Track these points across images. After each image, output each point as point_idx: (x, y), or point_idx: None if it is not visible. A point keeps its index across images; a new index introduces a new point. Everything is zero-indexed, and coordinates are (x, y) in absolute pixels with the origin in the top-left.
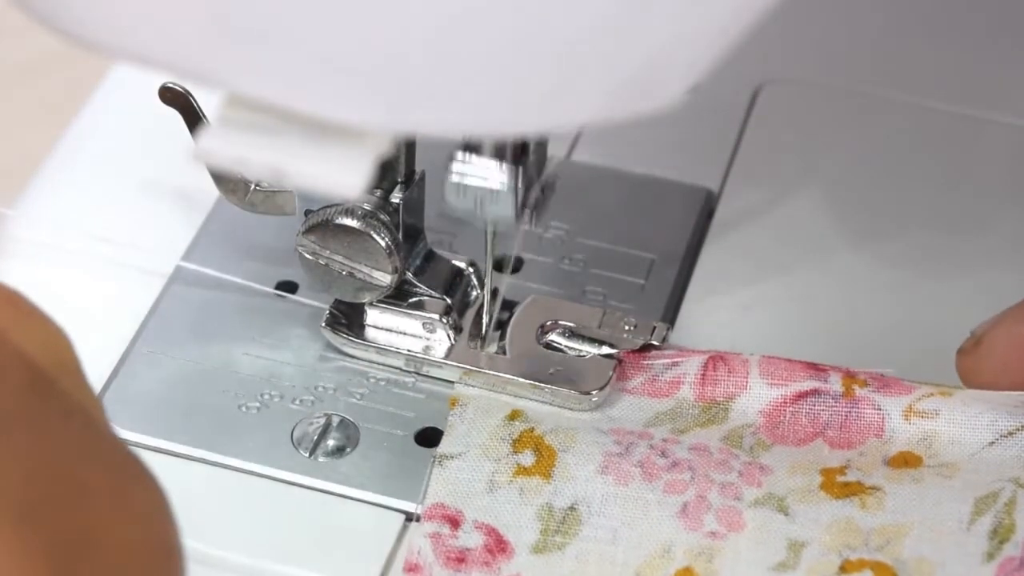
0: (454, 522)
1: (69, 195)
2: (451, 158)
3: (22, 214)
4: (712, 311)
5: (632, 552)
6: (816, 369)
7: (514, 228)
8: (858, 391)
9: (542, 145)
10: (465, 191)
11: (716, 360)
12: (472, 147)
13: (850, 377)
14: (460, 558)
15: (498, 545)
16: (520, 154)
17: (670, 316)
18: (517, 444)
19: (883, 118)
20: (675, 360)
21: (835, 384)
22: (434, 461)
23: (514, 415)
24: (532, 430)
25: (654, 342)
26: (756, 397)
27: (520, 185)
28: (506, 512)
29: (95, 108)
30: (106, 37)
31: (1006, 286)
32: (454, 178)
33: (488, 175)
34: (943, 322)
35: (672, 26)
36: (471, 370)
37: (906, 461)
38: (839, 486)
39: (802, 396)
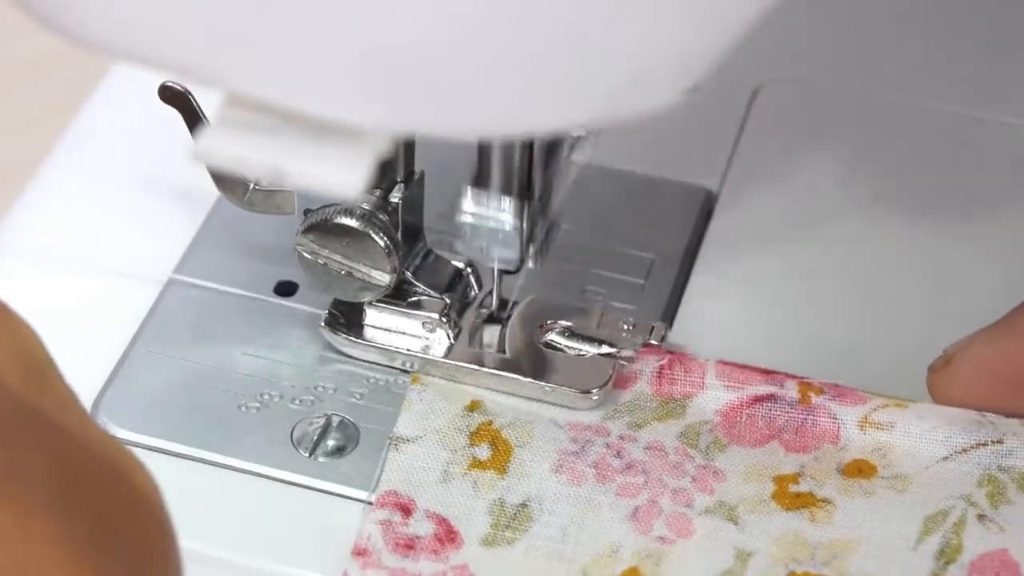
0: (406, 510)
1: (69, 195)
2: (459, 196)
3: (21, 214)
4: (712, 311)
5: (580, 550)
6: (771, 375)
7: (519, 266)
8: (814, 399)
9: (548, 184)
10: (472, 230)
11: (672, 360)
12: (479, 183)
13: (806, 385)
14: (409, 545)
15: (448, 535)
16: (526, 193)
17: (670, 316)
18: (474, 437)
19: (883, 118)
20: (631, 357)
21: (791, 391)
22: (389, 444)
23: (473, 406)
24: (490, 423)
25: (653, 341)
26: (713, 398)
27: (526, 225)
28: (458, 503)
29: (95, 108)
30: (106, 36)
31: (1006, 286)
32: (461, 217)
33: (495, 216)
34: (943, 322)
35: (671, 26)
36: (471, 370)
37: (860, 470)
38: (791, 497)
39: (759, 400)
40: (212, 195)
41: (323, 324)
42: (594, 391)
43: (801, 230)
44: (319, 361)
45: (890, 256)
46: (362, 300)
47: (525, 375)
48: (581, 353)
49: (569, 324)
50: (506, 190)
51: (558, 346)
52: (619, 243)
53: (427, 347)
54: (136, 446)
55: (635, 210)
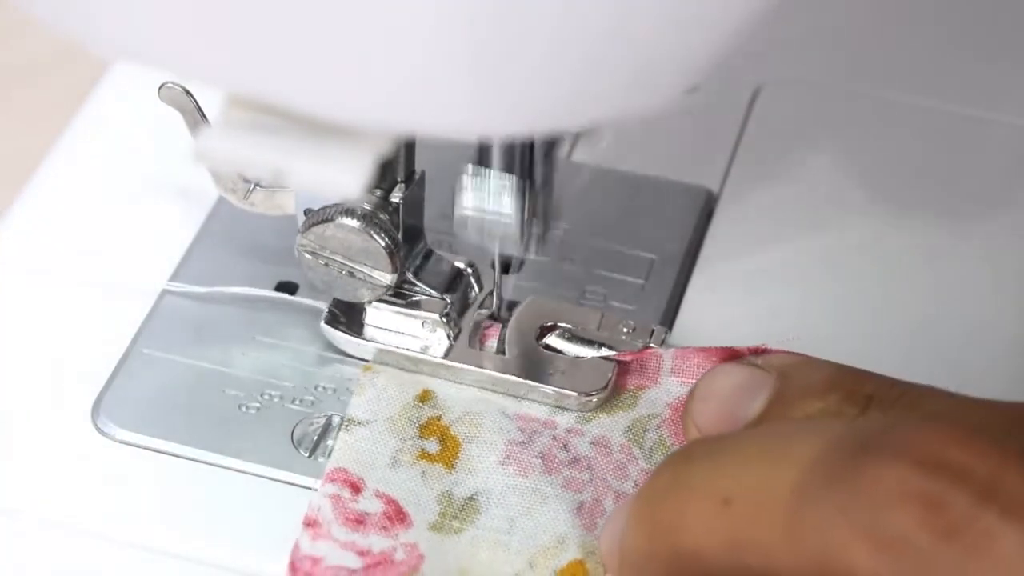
0: (355, 487)
1: (68, 195)
2: (458, 182)
3: (21, 214)
4: (712, 311)
5: (527, 541)
6: (731, 353)
7: (519, 252)
8: None
9: (548, 175)
10: (471, 219)
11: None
12: (479, 169)
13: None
14: (359, 520)
15: (397, 515)
16: (527, 182)
17: (670, 316)
18: (424, 430)
19: (883, 118)
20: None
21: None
22: (341, 425)
23: (424, 396)
24: (439, 418)
25: (652, 344)
26: (665, 391)
27: (526, 215)
28: (407, 488)
29: (95, 108)
30: (106, 36)
31: (1006, 285)
32: (461, 207)
33: (495, 206)
34: (943, 320)
35: (671, 26)
36: (470, 370)
37: None
38: None
39: None
40: (212, 195)
41: (324, 323)
42: (594, 393)
43: (801, 230)
44: (319, 361)
45: (890, 256)
46: (363, 300)
47: (524, 377)
48: (580, 355)
49: (569, 326)
50: (506, 180)
51: (557, 348)
52: (619, 243)
53: (427, 347)
54: (136, 446)
55: (635, 210)
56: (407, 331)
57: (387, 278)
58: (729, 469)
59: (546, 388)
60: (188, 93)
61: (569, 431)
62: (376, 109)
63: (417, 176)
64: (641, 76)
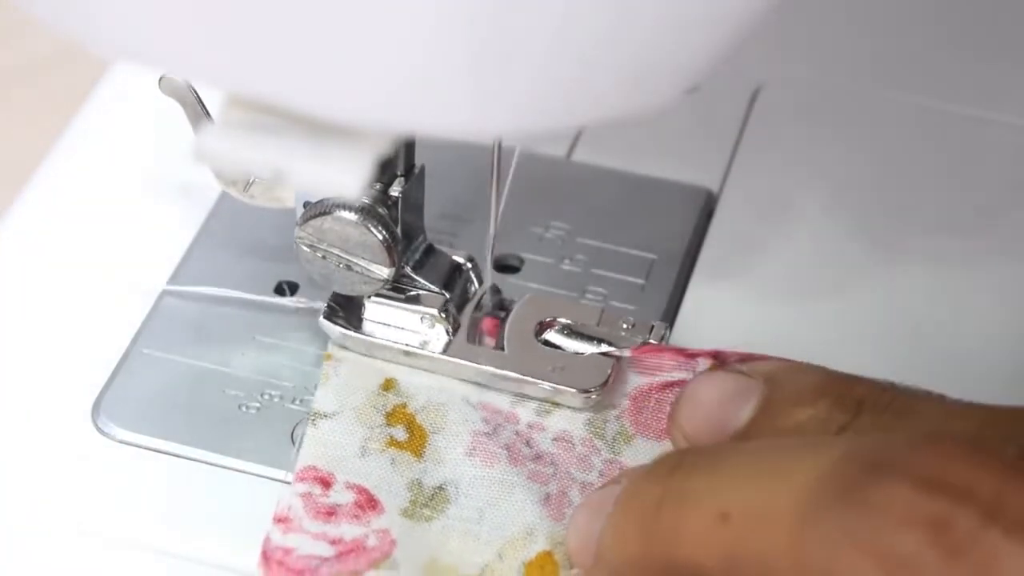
0: (325, 483)
1: (69, 195)
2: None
3: (21, 213)
4: (712, 311)
5: (496, 532)
6: (685, 356)
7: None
8: None
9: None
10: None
11: None
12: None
13: (717, 366)
14: (330, 512)
15: (369, 503)
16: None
17: (670, 316)
18: (390, 417)
19: (883, 118)
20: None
21: (624, 361)
22: (307, 420)
23: (388, 385)
24: (404, 406)
25: (652, 341)
26: (623, 382)
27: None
28: (377, 475)
29: (95, 108)
30: (106, 36)
31: (1006, 286)
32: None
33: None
34: (943, 322)
35: (671, 26)
36: (469, 366)
37: None
38: None
39: (669, 385)
40: (212, 195)
41: (322, 317)
42: (593, 390)
43: (801, 230)
44: (319, 361)
45: (890, 256)
46: (361, 294)
47: (523, 373)
48: (579, 352)
49: (568, 322)
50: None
51: (556, 344)
52: (619, 243)
53: (425, 342)
54: (136, 446)
55: (635, 210)
56: (406, 326)
57: (384, 272)
58: (727, 482)
59: (545, 384)
60: (188, 85)
61: (531, 426)
62: (376, 109)
63: (417, 171)
64: (641, 76)
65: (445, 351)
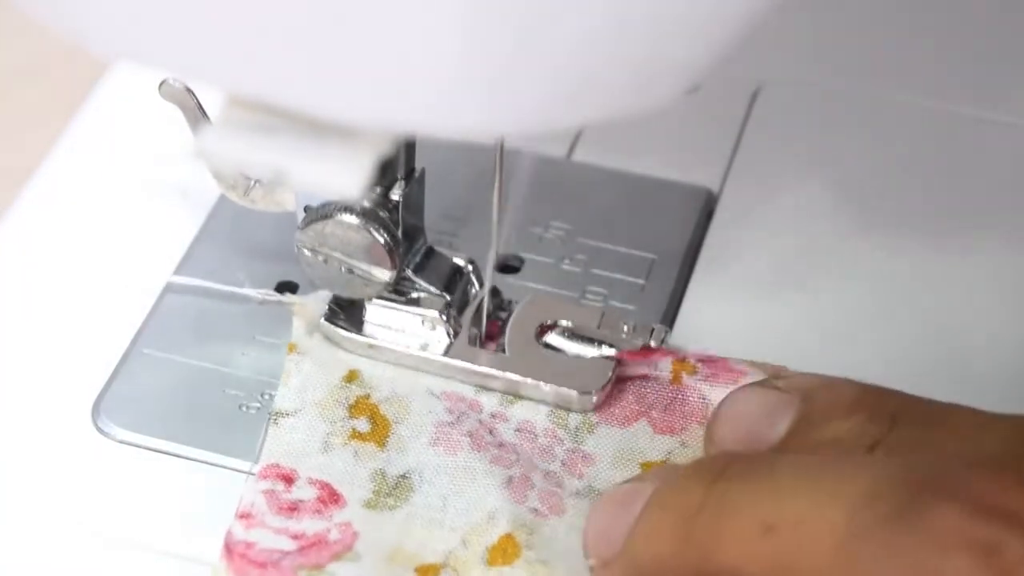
0: (288, 479)
1: (69, 195)
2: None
3: (21, 214)
4: (712, 311)
5: (460, 519)
6: (646, 354)
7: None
8: (686, 379)
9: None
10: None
11: None
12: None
13: (679, 363)
14: (293, 507)
15: (331, 497)
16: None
17: (670, 316)
18: (353, 410)
19: (883, 118)
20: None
21: (664, 370)
22: (270, 419)
23: (351, 376)
24: (368, 397)
25: (652, 343)
26: None
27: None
28: (340, 470)
29: (95, 108)
30: (106, 36)
31: (1006, 286)
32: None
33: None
34: (943, 322)
35: (671, 25)
36: (470, 368)
37: None
38: None
39: (631, 379)
40: (212, 195)
41: (323, 320)
42: (594, 392)
43: (801, 230)
44: None
45: (890, 256)
46: (362, 297)
47: (524, 375)
48: (580, 354)
49: (569, 325)
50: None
51: (558, 347)
52: (619, 243)
53: (426, 345)
54: (136, 446)
55: (635, 210)
56: (407, 329)
57: (386, 275)
58: (772, 494)
59: (546, 387)
60: (188, 89)
61: (494, 415)
62: (376, 109)
63: (417, 174)
64: (641, 76)
65: (446, 354)
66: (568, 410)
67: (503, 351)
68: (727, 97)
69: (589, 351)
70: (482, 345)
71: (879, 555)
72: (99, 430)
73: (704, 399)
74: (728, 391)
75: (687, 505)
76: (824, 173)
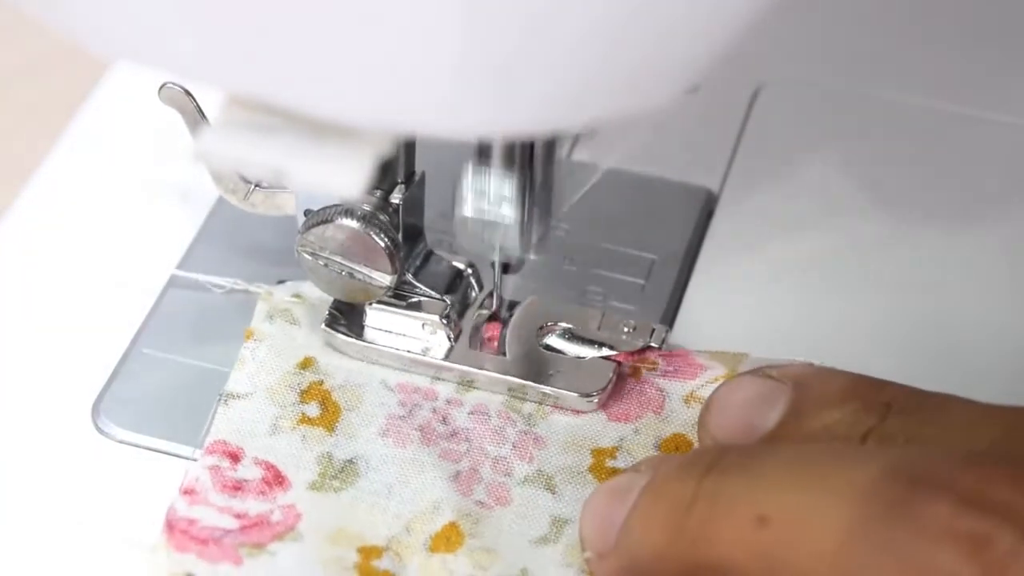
0: (234, 457)
1: (69, 195)
2: (458, 183)
3: (21, 214)
4: (712, 311)
5: (405, 506)
6: (646, 355)
7: (519, 253)
8: (645, 374)
9: (548, 175)
10: (471, 221)
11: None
12: (479, 170)
13: (641, 358)
14: (237, 487)
15: (276, 479)
16: (527, 182)
17: (670, 316)
18: (305, 395)
19: (883, 118)
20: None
21: (624, 365)
22: (219, 399)
23: (306, 363)
24: (321, 383)
25: (653, 344)
26: None
27: (527, 216)
28: (287, 452)
29: (95, 108)
30: (106, 36)
31: (1005, 286)
32: (461, 208)
33: (495, 206)
34: (943, 321)
35: (671, 25)
36: (471, 372)
37: (677, 447)
38: (607, 471)
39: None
40: (212, 196)
41: (324, 325)
42: (595, 393)
43: (801, 230)
44: None
45: (890, 256)
46: (363, 301)
47: (525, 378)
48: (581, 355)
49: (569, 326)
50: (507, 181)
51: (558, 348)
52: (619, 243)
53: (427, 349)
54: (136, 446)
55: (635, 210)
56: (407, 332)
57: (387, 279)
58: (765, 486)
59: (547, 389)
60: (188, 94)
61: (449, 402)
62: (376, 109)
63: (417, 177)
64: (641, 76)
65: (447, 357)
66: (523, 398)
67: (504, 354)
68: (727, 97)
69: (589, 352)
70: (482, 348)
71: (871, 547)
72: (99, 430)
73: (661, 391)
74: (687, 386)
75: (680, 496)
76: (824, 173)
